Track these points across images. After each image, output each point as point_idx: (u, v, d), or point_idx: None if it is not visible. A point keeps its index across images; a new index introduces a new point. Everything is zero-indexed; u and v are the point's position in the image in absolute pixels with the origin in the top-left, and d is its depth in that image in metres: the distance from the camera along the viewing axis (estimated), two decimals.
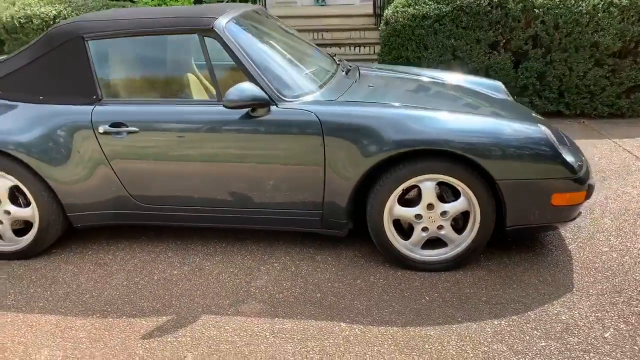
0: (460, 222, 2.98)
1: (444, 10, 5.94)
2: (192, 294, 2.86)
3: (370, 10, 9.24)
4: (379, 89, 3.31)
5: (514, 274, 2.98)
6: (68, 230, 3.33)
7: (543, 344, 2.43)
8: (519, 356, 2.36)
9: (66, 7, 6.24)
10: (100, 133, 2.98)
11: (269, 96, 2.89)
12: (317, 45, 8.42)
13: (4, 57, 3.57)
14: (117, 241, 3.43)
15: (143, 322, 2.64)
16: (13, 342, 2.52)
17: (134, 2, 7.43)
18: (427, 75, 3.96)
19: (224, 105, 2.79)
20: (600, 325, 2.55)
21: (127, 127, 2.97)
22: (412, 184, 2.87)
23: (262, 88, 2.88)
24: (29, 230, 3.20)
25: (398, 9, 6.31)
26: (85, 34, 3.05)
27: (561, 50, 5.76)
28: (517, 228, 2.95)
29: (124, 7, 7.03)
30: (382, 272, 3.02)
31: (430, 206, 2.90)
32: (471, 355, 2.37)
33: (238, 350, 2.44)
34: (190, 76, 3.17)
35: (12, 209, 3.14)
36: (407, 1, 6.32)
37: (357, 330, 2.56)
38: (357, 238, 3.31)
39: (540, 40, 5.80)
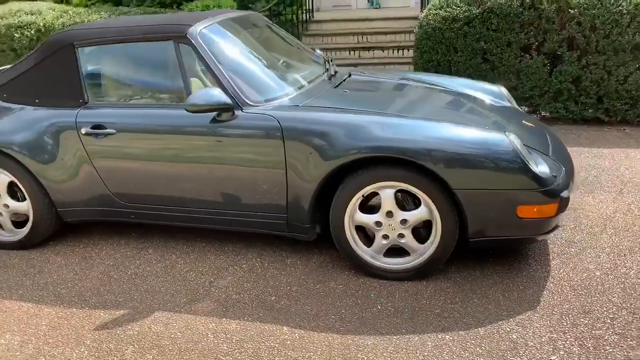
0: (423, 232, 2.91)
1: (474, 12, 5.77)
2: (156, 290, 2.98)
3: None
4: (352, 95, 3.29)
5: (480, 287, 2.87)
6: (68, 225, 3.55)
7: (530, 352, 2.34)
8: None
9: (110, 15, 6.65)
10: (83, 134, 3.18)
11: (236, 101, 2.96)
12: (360, 48, 8.44)
13: (8, 66, 3.87)
14: (108, 236, 3.62)
15: (101, 313, 2.79)
16: (17, 326, 2.75)
17: (180, 8, 7.78)
18: (427, 81, 3.88)
19: (185, 109, 2.89)
20: (551, 347, 2.41)
21: (106, 128, 3.14)
22: (371, 190, 2.84)
23: (228, 93, 2.96)
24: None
25: (431, 11, 6.19)
26: (76, 41, 3.26)
27: (598, 53, 5.42)
28: (481, 240, 2.84)
29: (167, 12, 7.37)
30: (344, 279, 3.01)
31: (389, 214, 2.85)
32: None
33: (177, 346, 2.52)
34: (169, 81, 3.28)
35: (10, 202, 3.42)
36: (440, 3, 6.19)
37: (296, 334, 2.57)
38: (331, 243, 3.30)
39: (576, 43, 5.49)
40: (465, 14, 5.82)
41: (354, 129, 2.79)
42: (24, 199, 3.39)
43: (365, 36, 8.88)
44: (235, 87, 2.99)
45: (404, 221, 2.84)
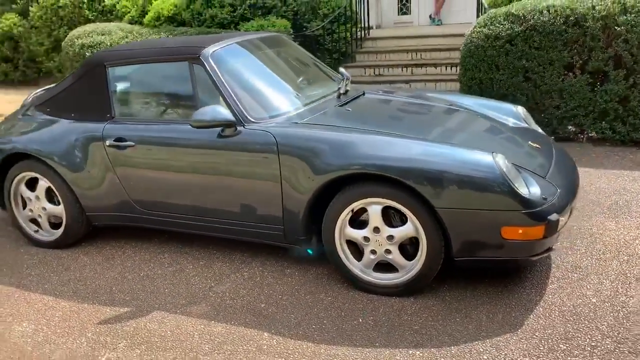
0: (410, 249, 2.95)
1: (516, 30, 5.69)
2: (160, 292, 3.22)
3: None
4: (353, 114, 3.39)
5: (466, 307, 2.87)
6: (99, 228, 3.88)
7: None
8: None
9: (168, 34, 7.12)
10: (107, 146, 3.50)
11: (239, 118, 3.15)
12: (413, 65, 8.46)
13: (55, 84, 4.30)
14: (132, 240, 3.92)
15: (107, 310, 3.06)
16: (6, 312, 3.08)
17: (237, 27, 8.18)
18: (443, 100, 3.91)
19: (190, 125, 3.12)
20: None
21: (127, 141, 3.44)
22: (360, 206, 2.93)
23: (232, 110, 3.16)
24: None
25: (476, 29, 6.17)
26: (106, 61, 3.60)
27: None
28: (467, 260, 2.85)
29: (223, 32, 7.78)
30: (335, 291, 3.10)
31: (376, 229, 2.93)
32: None
33: (163, 344, 2.72)
34: (183, 99, 3.53)
35: (48, 206, 3.79)
36: (484, 21, 6.15)
37: (274, 341, 2.70)
38: None
39: (623, 61, 5.27)
40: (508, 31, 5.75)
41: (342, 147, 2.90)
42: (59, 203, 3.76)
43: (420, 53, 8.90)
44: (240, 105, 3.19)
45: (390, 237, 2.91)
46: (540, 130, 3.81)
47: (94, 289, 3.30)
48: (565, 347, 2.52)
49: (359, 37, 9.31)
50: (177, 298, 3.14)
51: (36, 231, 3.92)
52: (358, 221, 3.02)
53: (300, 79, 3.78)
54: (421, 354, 2.53)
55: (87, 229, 3.83)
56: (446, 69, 8.49)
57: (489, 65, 5.94)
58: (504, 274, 3.14)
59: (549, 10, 5.55)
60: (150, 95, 3.61)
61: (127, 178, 3.52)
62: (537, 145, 3.32)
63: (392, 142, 2.89)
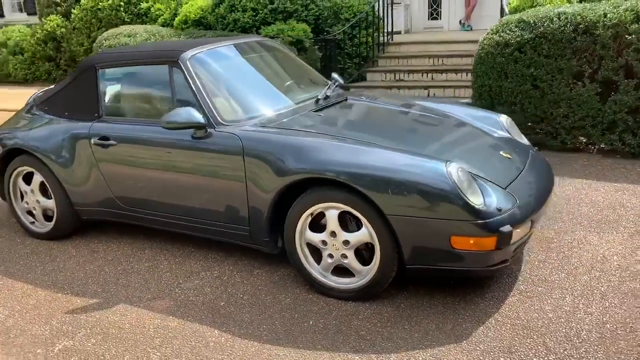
0: (365, 254, 2.97)
1: (525, 37, 5.58)
2: (131, 286, 3.35)
3: None
4: (323, 119, 3.42)
5: (417, 315, 2.87)
6: (92, 222, 4.06)
7: None
8: None
9: (188, 37, 7.32)
10: (93, 144, 3.67)
11: (210, 120, 3.25)
12: (433, 70, 8.38)
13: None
14: (120, 235, 4.08)
15: (78, 300, 3.21)
16: (10, 302, 3.29)
17: (259, 32, 8.33)
18: (429, 108, 3.90)
19: (161, 126, 3.24)
20: None
21: (109, 140, 3.60)
22: (319, 210, 2.97)
23: (205, 113, 3.26)
24: None
25: (488, 35, 6.09)
26: (97, 63, 3.77)
27: None
28: (418, 268, 2.85)
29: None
30: (294, 293, 3.15)
31: (333, 234, 2.96)
32: None
33: (119, 335, 2.84)
34: (162, 100, 3.65)
35: (41, 199, 4.00)
36: (497, 27, 6.06)
37: (222, 338, 2.77)
38: None
39: (633, 71, 5.10)
40: (517, 39, 5.65)
41: (299, 151, 2.96)
42: (51, 197, 3.95)
43: (442, 59, 8.83)
44: (212, 108, 3.29)
45: (346, 242, 2.94)
46: (523, 140, 3.75)
47: (71, 280, 3.46)
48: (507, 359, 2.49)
49: (382, 41, 9.31)
50: (145, 292, 3.26)
51: (32, 223, 4.13)
52: (320, 225, 3.06)
53: (282, 83, 3.84)
54: (359, 359, 2.55)
55: (77, 223, 4.01)
56: (467, 75, 8.36)
57: (498, 73, 5.85)
58: (466, 284, 3.11)
59: (559, 18, 5.43)
60: (133, 96, 3.76)
61: (110, 175, 3.68)
62: (508, 156, 3.27)
63: (347, 148, 2.92)
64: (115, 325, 2.93)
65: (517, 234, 2.79)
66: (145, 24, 10.52)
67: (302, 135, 3.08)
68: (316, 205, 2.96)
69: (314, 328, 2.82)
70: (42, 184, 3.98)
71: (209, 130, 3.25)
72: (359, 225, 2.92)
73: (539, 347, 2.57)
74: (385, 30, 9.34)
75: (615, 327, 2.68)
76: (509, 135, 3.66)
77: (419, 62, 8.94)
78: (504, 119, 3.79)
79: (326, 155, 2.89)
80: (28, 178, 4.05)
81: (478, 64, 6.12)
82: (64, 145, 3.79)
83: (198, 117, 3.19)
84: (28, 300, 3.25)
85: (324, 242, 3.01)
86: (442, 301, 2.99)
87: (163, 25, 9.85)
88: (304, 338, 2.74)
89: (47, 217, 4.07)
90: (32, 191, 4.02)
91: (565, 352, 2.52)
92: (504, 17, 6.11)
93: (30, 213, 4.13)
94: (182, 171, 3.37)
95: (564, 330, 2.67)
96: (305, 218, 3.02)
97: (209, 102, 3.30)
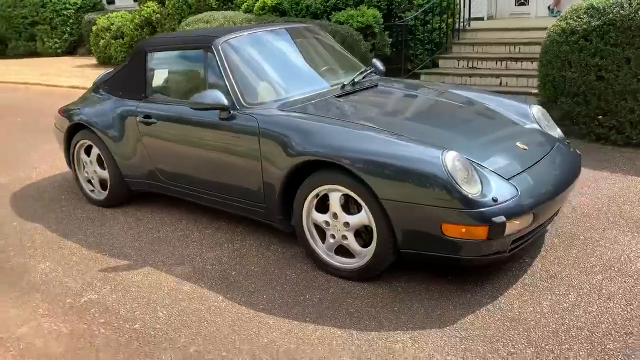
0: (365, 237, 3.06)
1: (592, 24, 5.29)
2: (160, 252, 3.67)
3: None
4: (343, 105, 3.50)
5: (411, 299, 2.93)
6: (148, 194, 4.45)
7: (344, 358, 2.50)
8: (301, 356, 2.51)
9: (257, 22, 7.62)
10: (138, 122, 4.02)
11: (234, 103, 3.47)
12: (508, 59, 8.09)
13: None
14: (165, 206, 4.43)
15: (112, 260, 3.58)
16: (40, 253, 3.74)
17: (329, 17, 8.45)
18: (454, 94, 3.88)
19: (189, 106, 3.51)
20: None
21: (151, 118, 3.93)
22: (323, 191, 3.10)
23: (230, 96, 3.48)
24: None
25: (557, 22, 5.84)
26: (146, 47, 4.12)
27: None
28: (412, 253, 2.90)
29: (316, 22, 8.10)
30: (302, 269, 3.31)
31: (335, 215, 3.08)
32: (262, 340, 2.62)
33: (137, 293, 3.16)
34: (197, 82, 3.90)
35: (98, 169, 4.45)
36: (567, 14, 5.78)
37: (224, 304, 3.00)
38: None
39: None
40: (583, 26, 5.36)
41: (306, 134, 3.09)
42: (105, 168, 4.38)
43: (519, 46, 8.49)
44: (237, 91, 3.50)
45: (346, 224, 3.05)
46: (554, 132, 3.61)
47: (112, 243, 3.85)
48: (482, 349, 2.51)
49: (458, 27, 9.10)
50: (171, 258, 3.56)
51: (92, 191, 4.60)
52: (327, 207, 3.19)
53: (313, 68, 3.97)
54: (340, 334, 2.67)
55: (128, 193, 4.41)
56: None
57: (562, 62, 5.60)
58: (469, 273, 3.12)
59: (630, 4, 5.08)
60: (173, 79, 4.07)
61: (151, 150, 4.02)
62: (524, 147, 3.20)
63: (349, 133, 3.01)
64: (136, 285, 3.26)
65: (514, 225, 2.76)
66: (231, 9, 10.98)
67: (312, 120, 3.20)
68: (321, 187, 3.09)
69: (309, 302, 2.97)
70: (99, 156, 4.41)
71: (232, 112, 3.46)
72: (360, 209, 3.02)
73: (521, 339, 2.55)
74: (462, 16, 9.10)
75: (610, 328, 2.60)
76: (537, 127, 3.56)
77: (495, 50, 8.65)
78: (535, 109, 3.68)
79: (327, 140, 3.00)
80: (88, 150, 4.50)
81: (544, 53, 5.89)
82: (115, 122, 4.18)
83: (222, 99, 3.41)
84: (72, 257, 3.67)
85: (327, 223, 3.13)
86: (440, 288, 3.02)
87: (246, 12, 10.25)
88: (296, 310, 2.90)
89: (104, 187, 4.50)
90: (90, 162, 4.47)
91: (547, 347, 2.49)
92: (576, 3, 5.80)
93: (89, 182, 4.60)
94: (209, 149, 3.62)
95: (553, 326, 2.63)
96: (311, 199, 3.16)
97: (235, 85, 3.52)
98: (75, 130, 4.54)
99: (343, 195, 3.03)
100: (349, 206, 3.07)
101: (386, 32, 8.41)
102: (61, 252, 3.77)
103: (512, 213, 2.73)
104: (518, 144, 3.22)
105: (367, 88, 3.87)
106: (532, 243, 3.36)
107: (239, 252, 3.59)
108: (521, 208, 2.77)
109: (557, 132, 3.64)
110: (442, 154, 2.75)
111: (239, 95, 3.49)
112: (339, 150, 2.95)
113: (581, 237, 3.49)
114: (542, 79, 5.98)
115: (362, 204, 2.94)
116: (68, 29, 16.95)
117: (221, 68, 3.58)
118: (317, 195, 3.14)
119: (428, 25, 8.76)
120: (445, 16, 8.73)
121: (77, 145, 4.54)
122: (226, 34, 3.76)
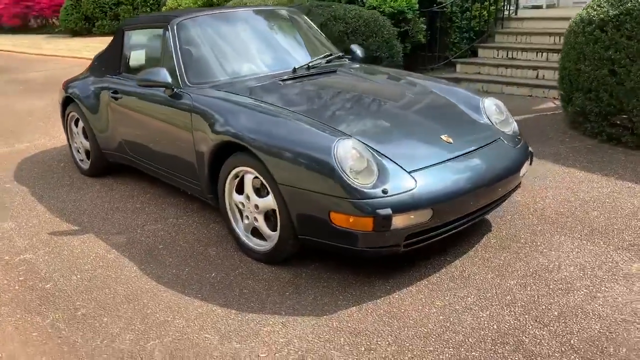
0: (273, 220, 3.07)
1: (610, 14, 4.88)
2: (110, 221, 3.85)
3: None
4: (281, 89, 3.47)
5: (307, 286, 2.92)
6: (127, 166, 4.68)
7: (237, 345, 2.52)
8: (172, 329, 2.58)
9: (283, 5, 7.66)
10: (109, 96, 4.23)
11: (178, 81, 3.57)
12: (549, 50, 7.62)
13: None
14: (138, 179, 4.62)
15: (64, 225, 3.82)
16: (10, 215, 4.06)
17: (363, 2, 8.32)
18: (411, 82, 3.77)
19: (136, 83, 3.65)
20: (286, 349, 2.44)
21: (118, 93, 4.13)
22: (241, 172, 3.14)
23: (175, 74, 3.58)
24: None
25: (580, 12, 5.45)
26: (125, 26, 4.31)
27: None
28: (309, 240, 2.88)
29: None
30: (225, 248, 3.37)
31: (247, 197, 3.11)
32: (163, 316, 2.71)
33: (67, 256, 3.36)
34: (155, 60, 4.01)
35: (84, 141, 4.73)
36: (590, 4, 5.37)
37: (133, 274, 3.13)
38: None
39: None
40: (600, 16, 4.95)
41: (226, 115, 3.14)
42: (88, 140, 4.66)
43: (553, 37, 7.95)
44: (182, 70, 3.60)
45: (256, 206, 3.07)
46: (505, 127, 3.39)
47: (75, 209, 4.09)
48: (344, 340, 2.46)
49: (502, 16, 8.66)
50: (115, 228, 3.75)
51: (81, 160, 4.90)
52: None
53: (269, 51, 3.97)
54: (220, 312, 2.72)
55: (107, 164, 4.66)
56: None
57: (578, 55, 5.21)
58: (382, 267, 3.03)
59: None
60: (140, 57, 4.23)
61: (118, 124, 4.23)
62: (449, 140, 3.04)
63: (259, 117, 3.02)
64: (71, 249, 3.46)
65: (408, 219, 2.66)
66: None
67: (237, 102, 3.23)
68: (237, 168, 3.13)
69: (211, 280, 3.03)
70: (84, 129, 4.69)
71: (175, 90, 3.56)
72: (269, 192, 3.02)
73: (389, 337, 2.48)
74: (508, 3, 8.63)
75: (487, 336, 2.46)
76: (486, 121, 3.37)
77: (538, 40, 8.16)
78: (487, 102, 3.48)
79: (242, 122, 3.04)
80: (77, 123, 4.79)
81: (564, 44, 5.51)
82: (93, 96, 4.43)
83: (167, 77, 3.51)
84: (34, 219, 3.96)
85: (243, 205, 3.17)
86: (341, 278, 2.97)
87: None
88: (195, 287, 2.97)
89: (89, 157, 4.78)
90: (77, 133, 4.76)
91: (410, 347, 2.40)
92: None
93: (79, 152, 4.90)
94: (159, 124, 3.76)
95: (430, 327, 2.53)
96: (231, 179, 3.20)
97: (181, 65, 3.61)
98: (68, 103, 4.84)
99: (256, 178, 3.04)
100: (262, 189, 3.08)
101: (421, 19, 8.16)
102: (29, 213, 4.07)
103: (404, 207, 2.63)
104: (443, 136, 3.07)
105: (322, 73, 3.82)
106: (467, 240, 3.23)
107: (178, 228, 3.70)
108: (416, 202, 2.66)
109: (510, 127, 3.43)
110: (336, 142, 2.69)
111: (184, 74, 3.58)
112: (249, 132, 2.97)
113: (522, 240, 3.29)
114: (561, 72, 5.61)
115: (268, 187, 2.94)
116: (148, 9, 17.89)
117: (172, 47, 3.68)
118: (236, 176, 3.18)
119: (468, 12, 8.39)
120: (487, 3, 8.33)
121: (69, 117, 4.85)
122: (187, 14, 3.85)
